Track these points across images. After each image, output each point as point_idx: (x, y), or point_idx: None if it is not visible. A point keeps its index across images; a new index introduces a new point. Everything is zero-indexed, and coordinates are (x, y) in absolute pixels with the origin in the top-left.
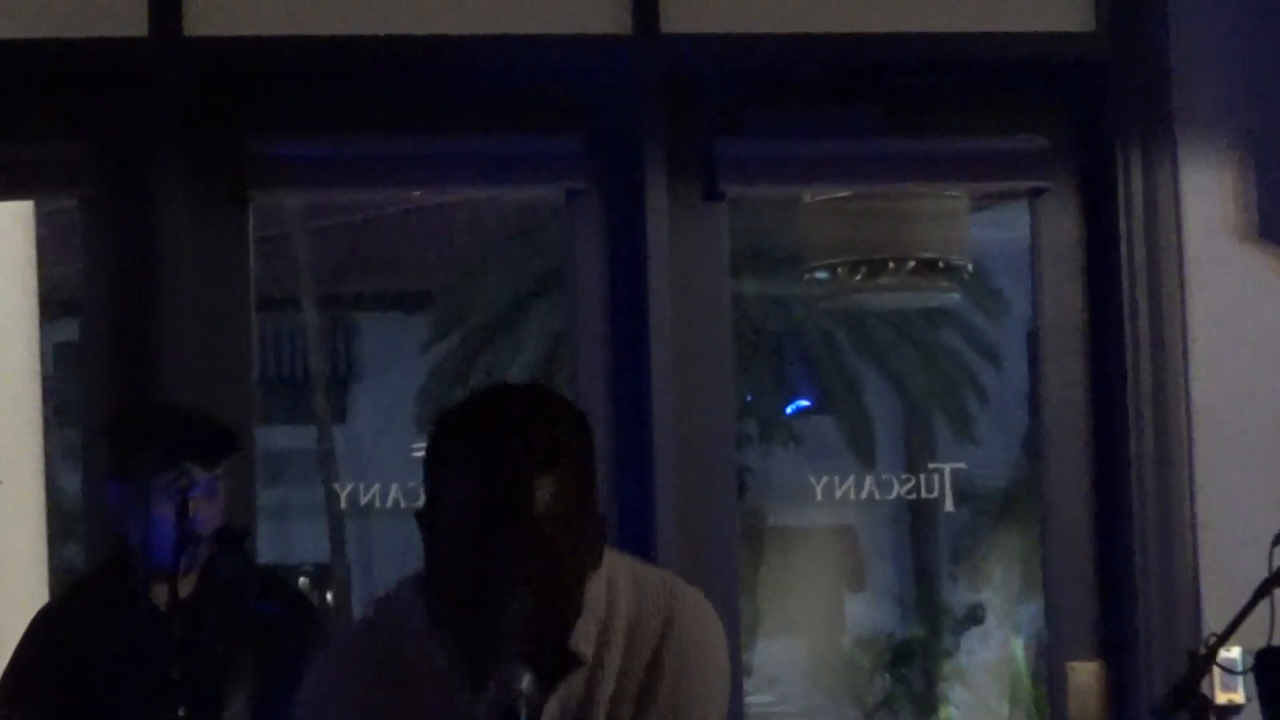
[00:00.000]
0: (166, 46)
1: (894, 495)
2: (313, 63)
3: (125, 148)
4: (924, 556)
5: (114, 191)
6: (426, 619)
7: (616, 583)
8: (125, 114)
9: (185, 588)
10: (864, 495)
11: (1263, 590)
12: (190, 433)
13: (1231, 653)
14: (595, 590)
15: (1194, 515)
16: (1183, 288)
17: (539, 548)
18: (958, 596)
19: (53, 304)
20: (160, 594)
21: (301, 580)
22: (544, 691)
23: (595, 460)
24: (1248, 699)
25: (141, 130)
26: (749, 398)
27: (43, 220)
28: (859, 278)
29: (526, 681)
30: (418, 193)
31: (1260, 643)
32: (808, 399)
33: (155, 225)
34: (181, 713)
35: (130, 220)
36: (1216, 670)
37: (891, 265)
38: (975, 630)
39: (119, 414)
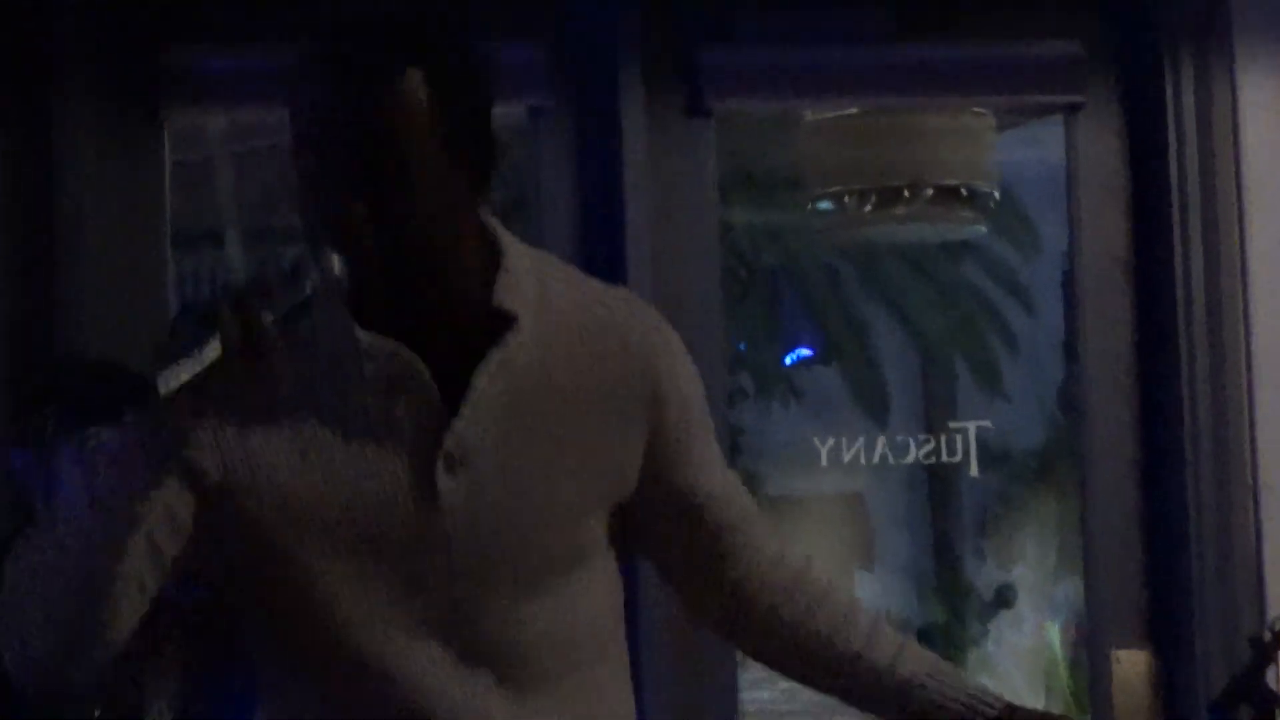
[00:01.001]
0: None
1: (910, 458)
2: None
3: (21, 61)
4: (945, 529)
5: (7, 111)
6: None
7: (551, 278)
8: (20, 23)
9: None
10: (875, 458)
11: None
12: (102, 387)
13: None
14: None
15: (1256, 479)
16: (1241, 217)
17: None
18: (984, 575)
19: None
20: None
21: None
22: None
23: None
24: None
25: (40, 40)
26: (742, 346)
27: None
28: (869, 208)
29: (336, 264)
30: None
31: None
32: (810, 347)
33: (56, 150)
34: (96, 714)
35: (26, 144)
36: None
37: (906, 193)
38: (1005, 614)
39: (21, 367)
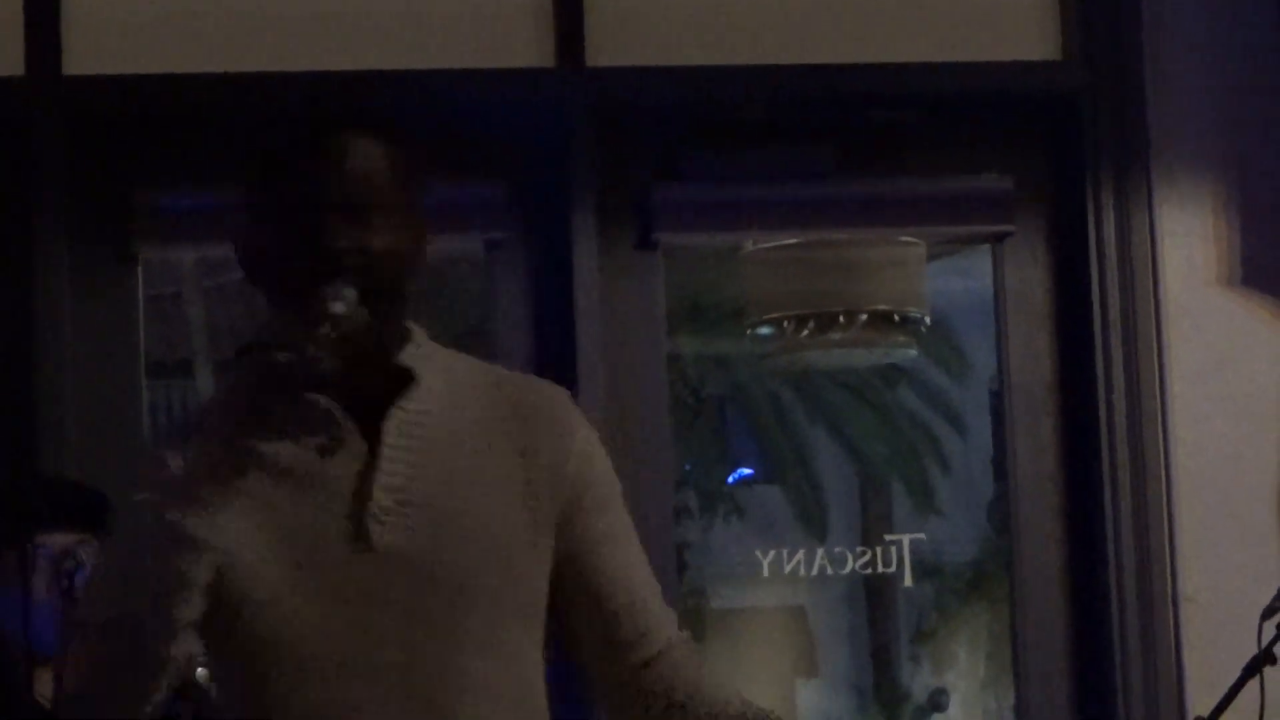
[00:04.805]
0: (43, 87)
1: (848, 570)
2: (207, 104)
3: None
4: (881, 637)
5: None
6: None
7: (462, 363)
8: None
9: None
10: (815, 571)
11: (1251, 669)
12: (79, 511)
13: None
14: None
15: (1176, 589)
16: (1160, 340)
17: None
18: (919, 681)
19: None
20: (45, 687)
21: (200, 671)
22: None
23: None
24: None
25: (17, 180)
26: (687, 466)
27: None
28: (807, 333)
29: (350, 296)
30: None
31: None
32: (752, 467)
33: (33, 284)
34: None
35: (6, 282)
36: None
37: (842, 319)
38: (939, 718)
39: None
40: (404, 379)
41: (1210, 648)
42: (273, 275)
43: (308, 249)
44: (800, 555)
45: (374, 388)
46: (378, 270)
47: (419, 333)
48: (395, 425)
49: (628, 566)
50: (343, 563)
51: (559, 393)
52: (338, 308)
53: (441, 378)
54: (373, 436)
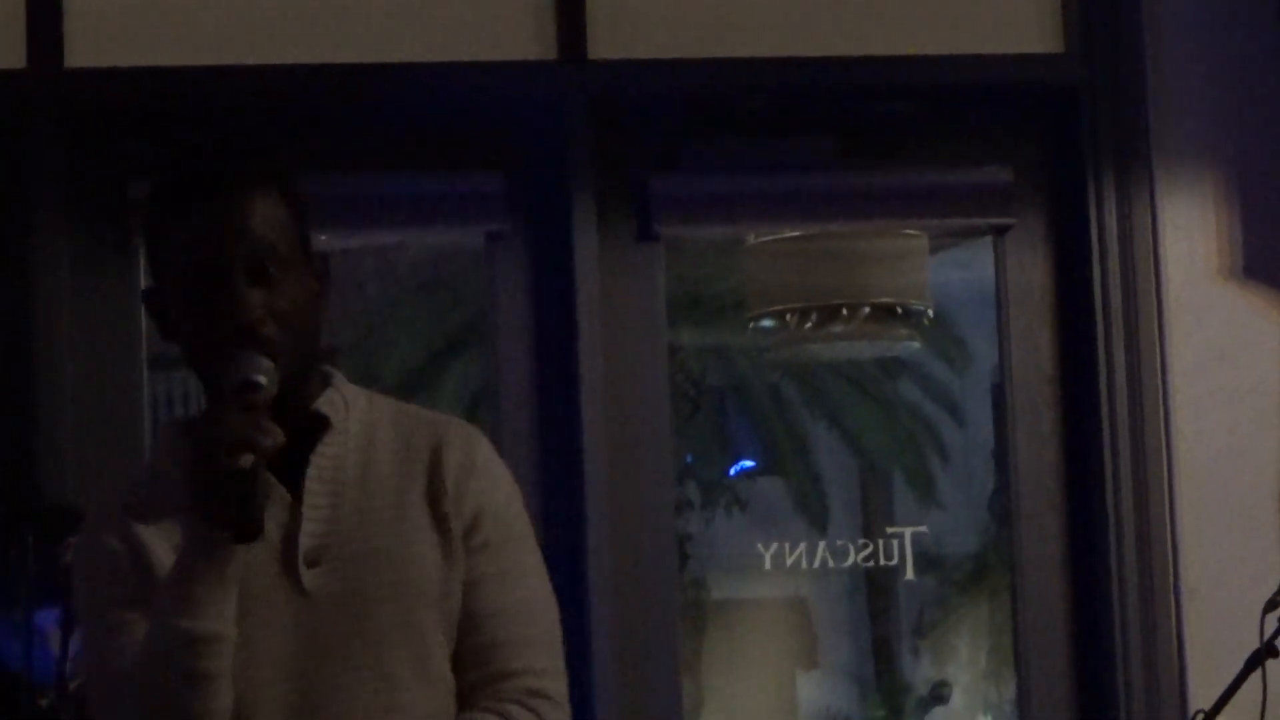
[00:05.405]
0: (45, 80)
1: (849, 563)
2: (208, 97)
3: None
4: (883, 630)
5: None
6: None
7: (378, 405)
8: None
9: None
10: (816, 564)
11: (1253, 662)
12: (75, 508)
13: None
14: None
15: (1178, 582)
16: (1162, 333)
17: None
18: (920, 674)
19: None
20: (46, 694)
21: None
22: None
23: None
24: None
25: (18, 173)
26: (689, 458)
27: None
28: (809, 326)
29: (266, 366)
30: (322, 238)
31: None
32: (753, 459)
33: (33, 277)
34: None
35: (7, 276)
36: None
37: (844, 312)
38: (940, 710)
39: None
40: (323, 424)
41: (1212, 641)
42: (186, 343)
43: (217, 322)
44: (802, 548)
45: (296, 436)
46: (290, 329)
47: (337, 377)
48: (314, 472)
49: (512, 608)
50: (280, 611)
51: (470, 433)
52: (258, 379)
53: (357, 420)
54: (297, 484)
